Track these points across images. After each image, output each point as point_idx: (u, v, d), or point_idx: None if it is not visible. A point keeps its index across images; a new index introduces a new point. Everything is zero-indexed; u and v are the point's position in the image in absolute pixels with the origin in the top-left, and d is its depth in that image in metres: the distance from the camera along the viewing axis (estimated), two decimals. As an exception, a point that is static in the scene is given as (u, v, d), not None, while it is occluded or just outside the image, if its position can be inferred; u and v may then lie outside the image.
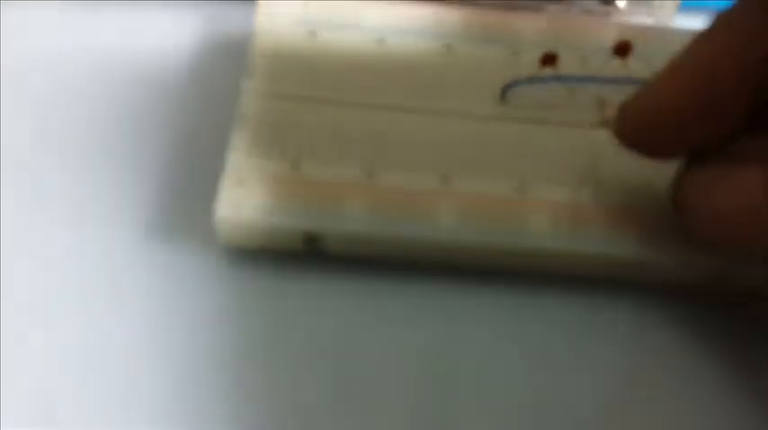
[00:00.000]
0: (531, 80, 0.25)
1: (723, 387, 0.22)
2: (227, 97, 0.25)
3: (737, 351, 0.23)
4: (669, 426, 0.22)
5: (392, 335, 0.23)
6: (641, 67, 0.26)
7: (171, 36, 0.27)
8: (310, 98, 0.25)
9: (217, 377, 0.22)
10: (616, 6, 0.28)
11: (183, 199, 0.24)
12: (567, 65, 0.26)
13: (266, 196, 0.23)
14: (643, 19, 0.28)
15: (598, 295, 0.23)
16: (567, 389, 0.22)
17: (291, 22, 0.26)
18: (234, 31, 0.27)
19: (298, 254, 0.23)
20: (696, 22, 0.25)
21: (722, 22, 0.20)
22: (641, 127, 0.21)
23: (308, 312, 0.23)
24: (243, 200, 0.23)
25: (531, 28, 0.27)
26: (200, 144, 0.25)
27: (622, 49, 0.24)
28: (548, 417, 0.22)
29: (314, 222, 0.23)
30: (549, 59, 0.24)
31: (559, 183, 0.23)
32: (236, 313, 0.23)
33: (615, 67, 0.25)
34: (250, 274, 0.23)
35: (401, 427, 0.22)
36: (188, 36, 0.28)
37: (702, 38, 0.20)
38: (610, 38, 0.26)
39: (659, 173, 0.23)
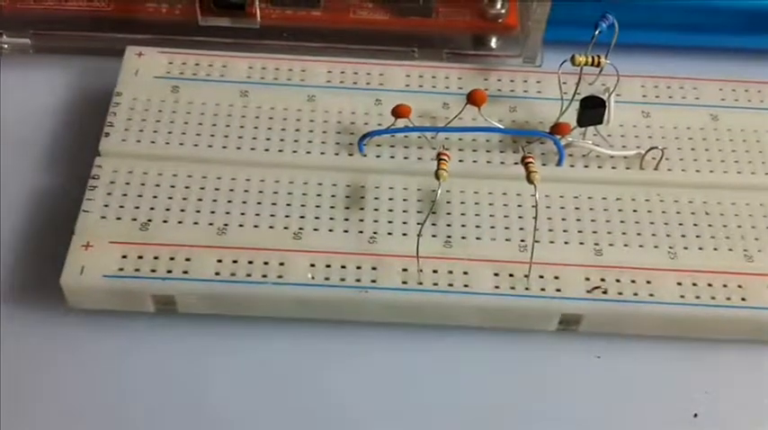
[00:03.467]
0: (386, 130, 0.25)
1: None
2: (91, 156, 0.25)
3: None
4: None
5: (250, 389, 0.23)
6: (503, 109, 0.26)
7: (37, 93, 0.28)
8: (166, 156, 0.25)
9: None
10: (488, 46, 0.28)
11: (39, 260, 0.24)
12: (428, 111, 0.26)
13: (114, 260, 0.23)
14: (513, 57, 0.28)
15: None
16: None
17: (154, 77, 0.26)
18: (105, 88, 0.27)
19: (149, 314, 0.23)
20: (561, 57, 0.25)
21: None
22: None
23: (166, 370, 0.23)
24: (89, 264, 0.23)
25: (395, 76, 0.27)
26: (60, 205, 0.25)
27: (476, 99, 0.24)
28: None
29: (163, 285, 0.23)
30: (400, 112, 0.24)
31: (407, 234, 0.23)
32: (88, 373, 0.23)
33: (475, 111, 0.25)
34: (101, 334, 0.23)
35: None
36: (56, 93, 0.28)
37: None
38: (472, 83, 0.26)
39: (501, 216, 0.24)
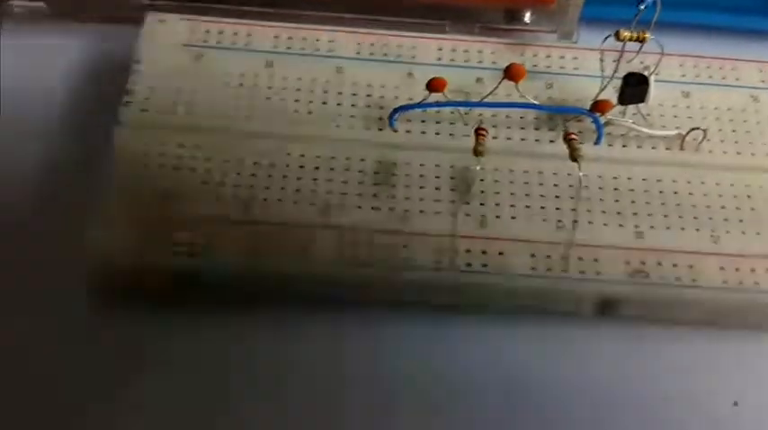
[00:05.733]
0: (420, 105, 0.24)
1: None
2: (110, 127, 0.24)
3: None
4: None
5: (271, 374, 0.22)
6: (539, 86, 0.25)
7: (53, 61, 0.27)
8: (189, 128, 0.24)
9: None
10: (522, 21, 0.27)
11: (55, 237, 0.23)
12: (461, 86, 0.25)
13: (136, 237, 0.22)
14: (547, 33, 0.27)
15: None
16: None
17: (176, 45, 0.25)
18: (124, 56, 0.26)
19: (171, 294, 0.22)
20: (598, 37, 0.24)
21: None
22: None
23: (187, 352, 0.22)
24: (111, 242, 0.21)
25: (426, 49, 0.26)
26: (77, 177, 0.24)
27: (514, 74, 0.23)
28: None
29: (187, 263, 0.22)
30: (436, 86, 0.23)
31: (440, 212, 0.22)
32: (107, 356, 0.22)
33: (509, 87, 0.24)
34: (123, 314, 0.22)
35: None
36: (72, 61, 0.27)
37: None
38: (506, 58, 0.26)
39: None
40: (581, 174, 0.21)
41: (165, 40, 0.25)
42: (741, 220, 0.23)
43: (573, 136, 0.21)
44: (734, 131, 0.25)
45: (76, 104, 0.26)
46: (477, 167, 0.21)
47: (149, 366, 0.22)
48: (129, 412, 0.21)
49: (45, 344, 0.22)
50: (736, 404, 0.22)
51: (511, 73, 0.23)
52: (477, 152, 0.21)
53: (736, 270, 0.22)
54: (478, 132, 0.21)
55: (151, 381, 0.21)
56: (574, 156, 0.21)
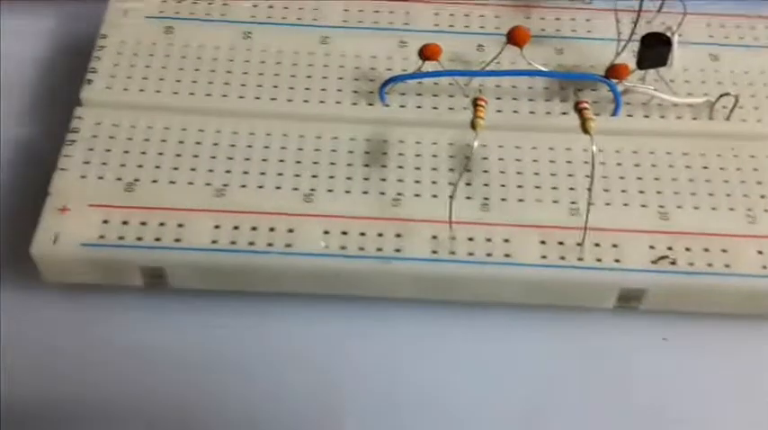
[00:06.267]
0: (412, 75, 0.22)
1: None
2: (72, 107, 0.22)
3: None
4: None
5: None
6: (548, 51, 0.23)
7: (16, 38, 0.25)
8: (157, 107, 0.22)
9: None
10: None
11: (11, 225, 0.21)
12: (459, 55, 0.23)
13: (94, 226, 0.20)
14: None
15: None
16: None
17: (147, 17, 0.23)
18: (91, 33, 0.24)
19: (136, 288, 0.20)
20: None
21: None
22: None
23: (156, 353, 0.20)
24: (66, 230, 0.19)
25: (421, 15, 0.24)
26: (35, 162, 0.22)
27: (517, 38, 0.21)
28: None
29: (151, 255, 0.20)
30: (429, 53, 0.21)
31: (437, 195, 0.20)
32: (64, 354, 0.20)
33: (515, 55, 0.22)
34: (80, 312, 0.20)
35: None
36: (37, 38, 0.25)
37: None
38: (511, 22, 0.23)
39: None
40: (594, 148, 0.19)
41: (134, 13, 0.23)
42: (781, 197, 0.21)
43: (584, 104, 0.19)
44: (769, 98, 0.23)
45: (37, 84, 0.24)
46: (475, 142, 0.19)
47: (109, 365, 0.20)
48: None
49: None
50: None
51: (514, 37, 0.21)
52: (474, 125, 0.19)
53: (777, 254, 0.20)
54: (477, 102, 0.19)
55: (109, 380, 0.20)
56: (586, 128, 0.19)
